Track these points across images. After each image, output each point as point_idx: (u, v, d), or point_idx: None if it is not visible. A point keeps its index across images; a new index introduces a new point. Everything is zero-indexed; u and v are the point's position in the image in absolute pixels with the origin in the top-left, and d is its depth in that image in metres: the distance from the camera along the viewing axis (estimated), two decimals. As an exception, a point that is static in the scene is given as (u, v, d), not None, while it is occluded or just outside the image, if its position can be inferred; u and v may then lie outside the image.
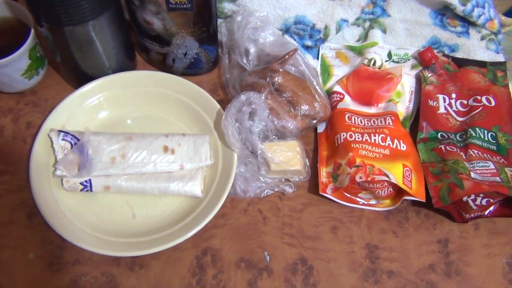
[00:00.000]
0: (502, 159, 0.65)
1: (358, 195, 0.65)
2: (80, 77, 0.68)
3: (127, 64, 0.72)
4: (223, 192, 0.61)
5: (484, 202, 0.61)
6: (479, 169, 0.63)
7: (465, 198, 0.61)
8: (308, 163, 0.66)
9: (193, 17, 0.63)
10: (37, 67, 0.68)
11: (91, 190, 0.62)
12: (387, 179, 0.60)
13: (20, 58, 0.63)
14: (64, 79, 0.73)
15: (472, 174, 0.62)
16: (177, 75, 0.69)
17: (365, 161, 0.61)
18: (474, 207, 0.61)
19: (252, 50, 0.70)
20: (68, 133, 0.63)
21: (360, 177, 0.60)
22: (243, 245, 0.62)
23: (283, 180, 0.66)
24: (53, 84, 0.72)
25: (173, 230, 0.60)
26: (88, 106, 0.67)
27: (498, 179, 0.61)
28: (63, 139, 0.62)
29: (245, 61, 0.71)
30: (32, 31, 0.63)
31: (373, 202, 0.65)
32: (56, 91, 0.72)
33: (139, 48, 0.74)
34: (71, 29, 0.59)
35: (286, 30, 0.75)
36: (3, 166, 0.66)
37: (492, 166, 0.63)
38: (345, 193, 0.65)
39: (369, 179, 0.60)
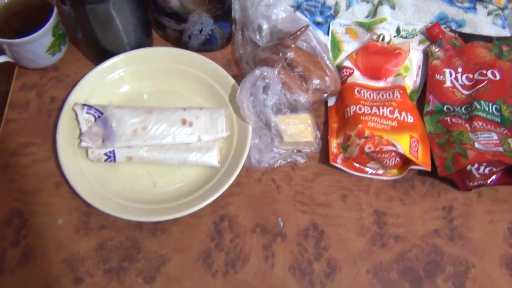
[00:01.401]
0: (506, 131, 0.68)
1: (367, 165, 0.68)
2: (100, 53, 0.71)
3: (144, 40, 0.74)
4: (239, 162, 0.65)
5: (487, 171, 0.64)
6: (483, 140, 0.66)
7: (468, 167, 0.64)
8: (319, 135, 0.69)
9: (208, -6, 0.66)
10: (59, 43, 0.71)
11: (114, 161, 0.66)
12: (394, 149, 0.63)
13: (45, 35, 0.66)
14: (84, 55, 0.76)
15: (476, 145, 0.65)
16: (193, 51, 0.72)
17: (373, 133, 0.64)
18: (478, 176, 0.64)
19: (265, 26, 0.73)
20: (91, 106, 0.66)
21: (369, 148, 0.63)
22: (258, 212, 0.66)
23: (295, 151, 0.69)
24: (74, 60, 0.76)
25: (192, 197, 0.64)
26: (109, 81, 0.71)
27: (501, 149, 0.64)
28: (87, 113, 0.66)
29: (258, 37, 0.73)
30: (55, 9, 0.66)
31: (381, 171, 0.68)
32: (77, 67, 0.75)
33: (156, 25, 0.77)
34: (93, 7, 0.62)
35: (297, 7, 0.77)
36: (30, 138, 0.70)
37: (495, 137, 0.66)
38: (355, 163, 0.68)
39: (377, 149, 0.63)
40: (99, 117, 0.66)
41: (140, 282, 0.62)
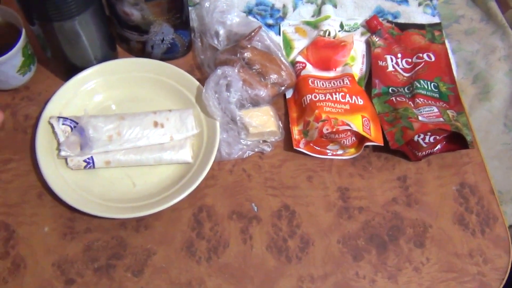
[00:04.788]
0: (444, 104, 0.76)
1: (327, 147, 0.75)
2: (69, 69, 0.75)
3: (110, 54, 0.79)
4: (210, 156, 0.70)
5: (431, 139, 0.72)
6: (426, 113, 0.74)
7: (416, 138, 0.71)
8: (281, 125, 0.76)
9: (167, 5, 0.71)
10: (29, 63, 0.74)
11: (93, 167, 0.69)
12: (349, 128, 0.70)
13: (16, 55, 0.70)
14: (53, 73, 0.79)
15: (420, 118, 0.73)
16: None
17: (329, 116, 0.71)
18: (424, 145, 0.72)
19: (221, 31, 0.79)
20: (67, 118, 0.70)
21: (327, 129, 0.70)
22: (233, 200, 0.71)
23: (261, 141, 0.75)
24: (43, 78, 0.79)
25: (170, 192, 0.68)
26: (82, 93, 0.75)
27: (441, 119, 0.73)
28: (63, 124, 0.70)
29: (216, 42, 0.79)
30: (23, 30, 0.70)
31: (340, 152, 0.75)
32: (47, 85, 0.78)
33: (119, 39, 0.81)
34: (60, 25, 0.66)
35: (249, 12, 0.84)
36: (9, 155, 0.73)
37: (436, 110, 0.74)
38: (315, 147, 0.74)
39: (334, 129, 0.70)
40: (75, 127, 0.70)
41: (129, 276, 0.65)
